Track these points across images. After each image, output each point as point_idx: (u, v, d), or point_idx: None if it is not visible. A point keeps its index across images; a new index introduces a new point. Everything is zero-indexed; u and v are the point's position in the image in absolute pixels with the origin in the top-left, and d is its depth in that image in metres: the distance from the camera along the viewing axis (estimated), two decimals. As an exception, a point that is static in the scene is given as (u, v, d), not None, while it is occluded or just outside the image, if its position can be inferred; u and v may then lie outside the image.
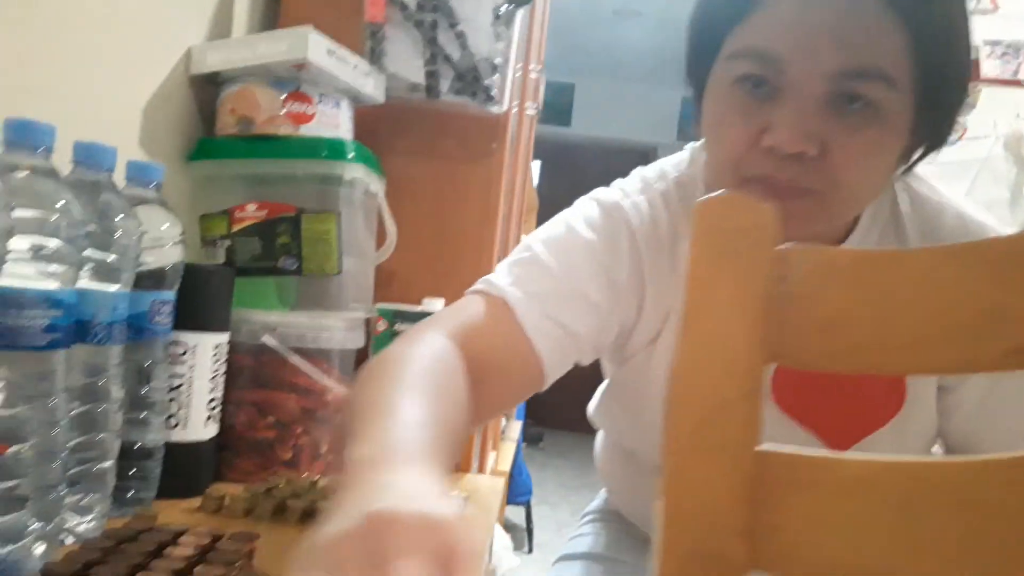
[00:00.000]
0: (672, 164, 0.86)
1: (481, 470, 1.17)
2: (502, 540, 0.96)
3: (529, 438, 4.83)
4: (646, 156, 6.66)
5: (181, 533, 0.61)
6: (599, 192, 0.84)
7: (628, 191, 0.82)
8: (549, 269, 0.73)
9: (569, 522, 3.92)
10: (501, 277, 0.73)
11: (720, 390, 0.29)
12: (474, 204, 1.15)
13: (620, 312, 0.75)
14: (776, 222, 0.29)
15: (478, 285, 0.76)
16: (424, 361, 0.59)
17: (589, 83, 6.19)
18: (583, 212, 0.80)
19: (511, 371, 0.70)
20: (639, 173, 0.86)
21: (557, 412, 6.24)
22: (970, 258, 0.28)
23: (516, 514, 3.48)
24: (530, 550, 3.41)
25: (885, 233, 0.74)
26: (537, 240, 0.77)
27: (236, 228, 0.95)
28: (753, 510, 0.30)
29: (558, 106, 5.93)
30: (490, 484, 1.06)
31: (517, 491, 3.29)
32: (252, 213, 0.95)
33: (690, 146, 0.87)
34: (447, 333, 0.66)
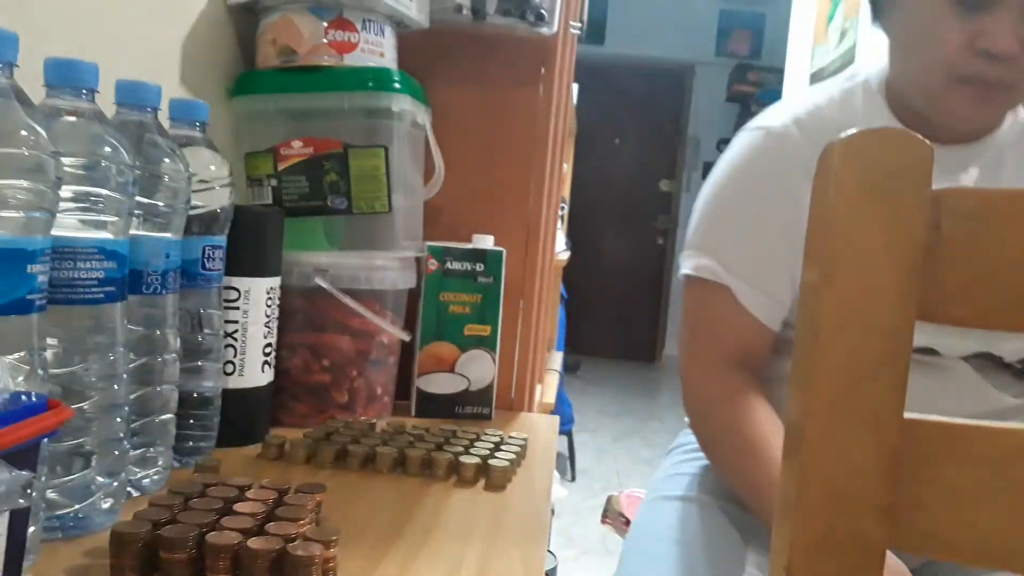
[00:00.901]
0: (822, 94, 0.92)
1: (530, 407, 1.16)
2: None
3: (568, 366, 4.84)
4: (683, 75, 6.50)
5: (247, 487, 0.60)
6: (761, 120, 0.92)
7: (791, 111, 0.89)
8: (745, 237, 0.88)
9: (609, 448, 3.96)
10: (711, 255, 0.89)
11: (867, 352, 0.26)
12: (522, 133, 1.10)
13: None
14: (930, 158, 0.26)
15: (694, 269, 0.91)
16: (763, 426, 0.81)
17: (623, -1, 5.98)
18: (744, 151, 0.90)
19: (765, 352, 0.90)
20: (788, 107, 0.92)
21: (593, 341, 6.28)
22: None
23: (559, 443, 3.51)
24: (573, 478, 3.45)
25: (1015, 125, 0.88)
26: (723, 197, 0.90)
27: (282, 166, 0.92)
28: (896, 484, 0.27)
29: (592, 24, 5.74)
30: (547, 423, 1.04)
31: (560, 421, 3.31)
32: (298, 150, 0.92)
33: (841, 76, 0.92)
34: (732, 364, 0.87)
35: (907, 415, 0.27)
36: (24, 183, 0.47)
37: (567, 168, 2.80)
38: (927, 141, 0.26)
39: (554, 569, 0.88)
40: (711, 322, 0.91)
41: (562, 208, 2.56)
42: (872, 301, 0.26)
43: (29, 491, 0.33)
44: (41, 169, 0.48)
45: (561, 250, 2.46)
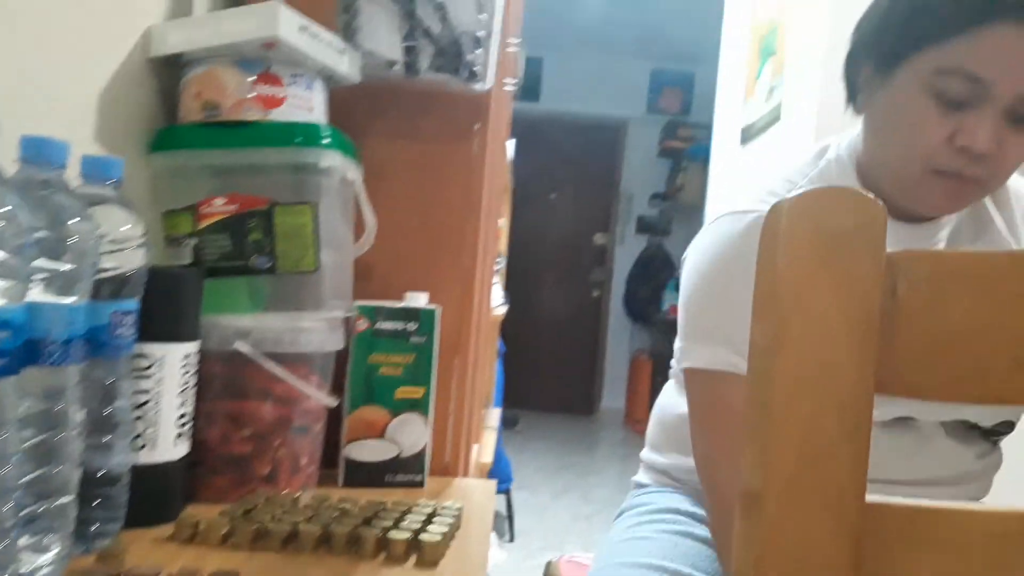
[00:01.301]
0: (795, 171, 0.89)
1: (466, 471, 1.12)
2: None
3: (506, 421, 4.78)
4: (616, 131, 6.66)
5: (154, 576, 0.55)
6: (745, 205, 0.88)
7: (775, 196, 0.83)
8: (741, 325, 0.79)
9: (549, 505, 3.89)
10: (725, 345, 0.83)
11: (824, 427, 0.24)
12: (457, 188, 1.08)
13: None
14: (884, 219, 0.24)
15: (709, 362, 0.84)
16: None
17: (557, 57, 6.11)
18: (736, 238, 0.85)
19: None
20: (764, 188, 0.90)
21: (532, 394, 6.24)
22: None
23: (497, 502, 3.44)
24: (512, 538, 3.37)
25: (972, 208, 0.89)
26: (724, 283, 0.84)
27: (203, 224, 0.88)
28: (858, 568, 0.24)
29: (527, 80, 5.83)
30: (483, 488, 1.00)
31: (497, 479, 3.24)
32: (220, 208, 0.88)
33: (808, 152, 0.91)
34: None
35: (869, 498, 0.24)
36: None
37: (503, 223, 2.80)
38: (876, 201, 0.24)
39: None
40: (732, 414, 0.82)
41: (499, 263, 2.55)
42: (827, 372, 0.24)
43: None
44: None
45: (498, 304, 2.44)
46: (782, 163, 0.95)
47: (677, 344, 0.90)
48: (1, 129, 0.53)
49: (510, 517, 3.42)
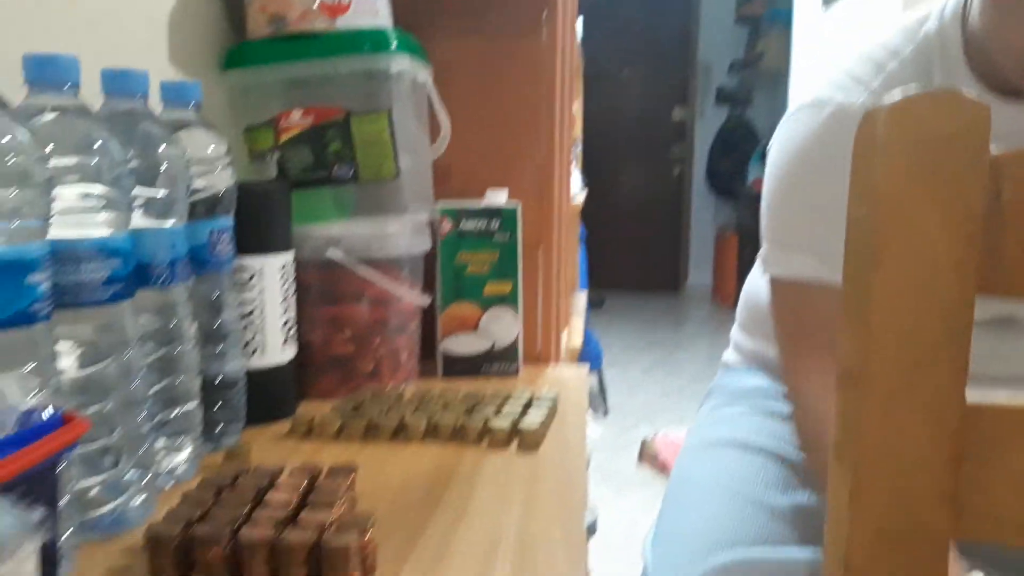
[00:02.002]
0: (881, 48, 0.82)
1: (557, 358, 1.14)
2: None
3: (592, 303, 4.84)
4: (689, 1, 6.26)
5: (278, 473, 0.60)
6: (824, 93, 0.80)
7: (859, 82, 0.79)
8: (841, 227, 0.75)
9: (640, 381, 3.96)
10: (808, 252, 0.79)
11: (924, 336, 0.24)
12: (528, 80, 1.06)
13: None
14: (987, 121, 0.23)
15: (790, 270, 0.81)
16: None
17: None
18: (816, 133, 0.78)
19: None
20: (845, 71, 0.81)
21: (616, 274, 6.25)
22: None
23: (589, 380, 3.52)
24: (606, 413, 3.47)
25: None
26: (805, 185, 0.79)
27: (284, 138, 0.90)
28: (958, 472, 0.25)
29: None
30: (575, 374, 1.03)
31: (587, 360, 3.31)
32: (298, 120, 0.89)
33: (896, 23, 0.82)
34: None
35: (969, 401, 0.24)
36: (12, 192, 0.46)
37: (576, 106, 2.73)
38: (984, 102, 0.23)
39: (594, 522, 0.87)
40: (820, 327, 0.80)
41: (575, 148, 2.51)
42: (927, 281, 0.23)
43: (49, 525, 0.32)
44: (28, 175, 0.46)
45: (577, 191, 2.42)
46: (867, 35, 0.87)
47: (762, 248, 0.88)
48: (80, 63, 0.55)
49: (603, 394, 3.51)
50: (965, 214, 0.23)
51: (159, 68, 0.83)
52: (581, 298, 2.72)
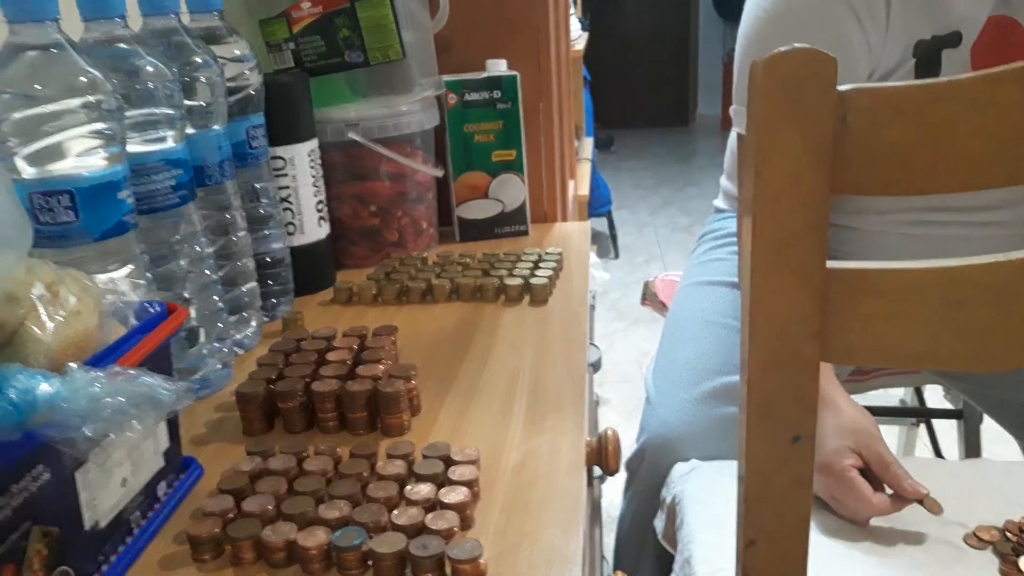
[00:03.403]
0: None
1: (564, 216, 1.25)
2: (592, 260, 1.04)
3: (600, 143, 4.86)
4: None
5: (332, 337, 0.72)
6: None
7: None
8: None
9: (649, 221, 4.07)
10: None
11: (792, 221, 0.34)
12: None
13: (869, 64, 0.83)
14: (834, 68, 0.32)
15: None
16: None
17: None
18: (791, 4, 0.83)
19: None
20: None
21: (624, 112, 6.21)
22: (1020, 80, 0.31)
23: (599, 224, 3.63)
24: (616, 255, 3.60)
25: None
26: (765, 46, 0.82)
27: (296, 29, 0.97)
28: (823, 316, 0.36)
29: None
30: (579, 230, 1.14)
31: (597, 204, 3.41)
32: (308, 11, 0.96)
33: None
34: None
35: (829, 264, 0.35)
36: (101, 125, 0.55)
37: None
38: (829, 55, 0.32)
39: (599, 360, 1.00)
40: None
41: (574, -8, 2.49)
42: (793, 184, 0.33)
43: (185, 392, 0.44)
44: (109, 108, 0.56)
45: (576, 36, 2.43)
46: None
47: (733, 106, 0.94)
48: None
49: (613, 237, 3.63)
50: (819, 134, 0.32)
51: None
52: (587, 144, 2.79)
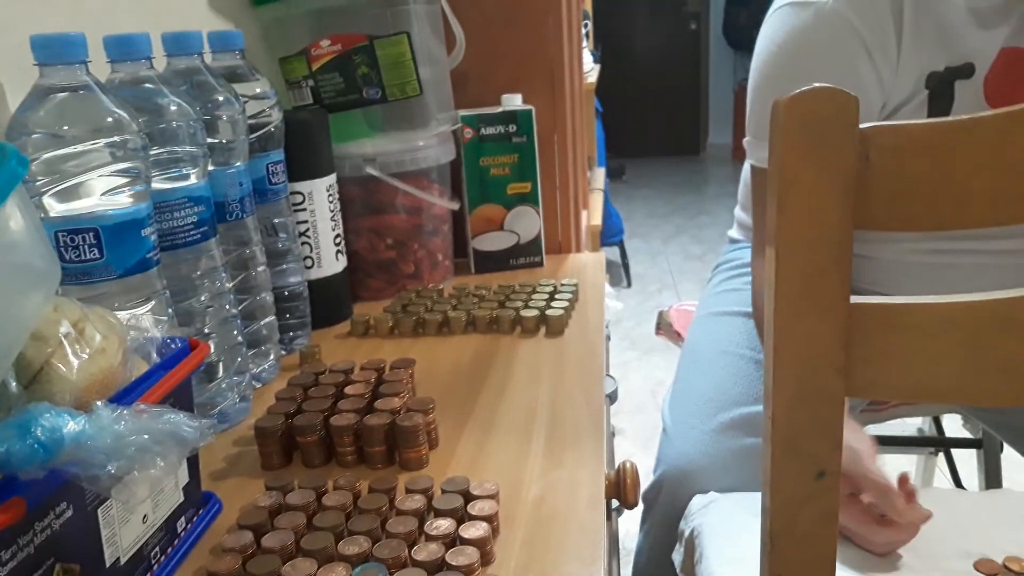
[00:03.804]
0: None
1: (578, 247, 1.25)
2: (605, 290, 1.04)
3: (612, 172, 4.88)
4: None
5: (349, 370, 0.73)
6: (792, 6, 0.85)
7: None
8: None
9: (661, 250, 4.08)
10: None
11: (816, 258, 0.34)
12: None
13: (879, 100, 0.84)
14: (856, 105, 0.32)
15: (760, 160, 0.88)
16: None
17: None
18: (796, 31, 0.84)
19: None
20: None
21: (636, 141, 6.24)
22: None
23: (611, 253, 3.64)
24: (629, 284, 3.60)
25: None
26: (780, 79, 0.85)
27: (316, 66, 0.98)
28: (848, 351, 0.36)
29: None
30: (593, 261, 1.14)
31: (609, 233, 3.41)
32: (328, 49, 0.97)
33: None
34: None
35: (853, 300, 0.35)
36: (127, 164, 0.56)
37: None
38: (850, 94, 0.32)
39: (615, 391, 1.00)
40: None
41: (585, 25, 2.52)
42: (816, 220, 0.33)
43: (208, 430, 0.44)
44: (135, 147, 0.57)
45: (588, 69, 2.45)
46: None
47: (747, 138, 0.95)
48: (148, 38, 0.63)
49: (625, 266, 3.63)
50: (842, 171, 0.33)
51: (199, 10, 0.91)
52: (599, 175, 2.81)
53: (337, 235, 0.94)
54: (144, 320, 0.57)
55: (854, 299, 0.35)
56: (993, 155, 0.32)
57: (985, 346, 0.34)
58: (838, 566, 0.41)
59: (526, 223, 1.09)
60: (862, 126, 0.33)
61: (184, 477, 0.55)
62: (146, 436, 0.40)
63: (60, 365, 0.43)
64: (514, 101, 1.09)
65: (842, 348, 0.35)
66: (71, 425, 0.38)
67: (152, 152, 0.62)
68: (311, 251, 0.92)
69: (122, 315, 0.57)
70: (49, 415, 0.38)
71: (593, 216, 2.08)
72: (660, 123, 6.42)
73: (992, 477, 1.32)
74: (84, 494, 0.44)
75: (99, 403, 0.41)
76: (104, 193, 0.56)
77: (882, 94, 0.83)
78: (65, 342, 0.44)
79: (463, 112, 1.06)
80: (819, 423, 0.37)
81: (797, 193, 0.33)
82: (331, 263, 0.94)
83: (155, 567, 0.51)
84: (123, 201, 0.57)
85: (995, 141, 0.32)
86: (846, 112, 0.32)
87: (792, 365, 0.36)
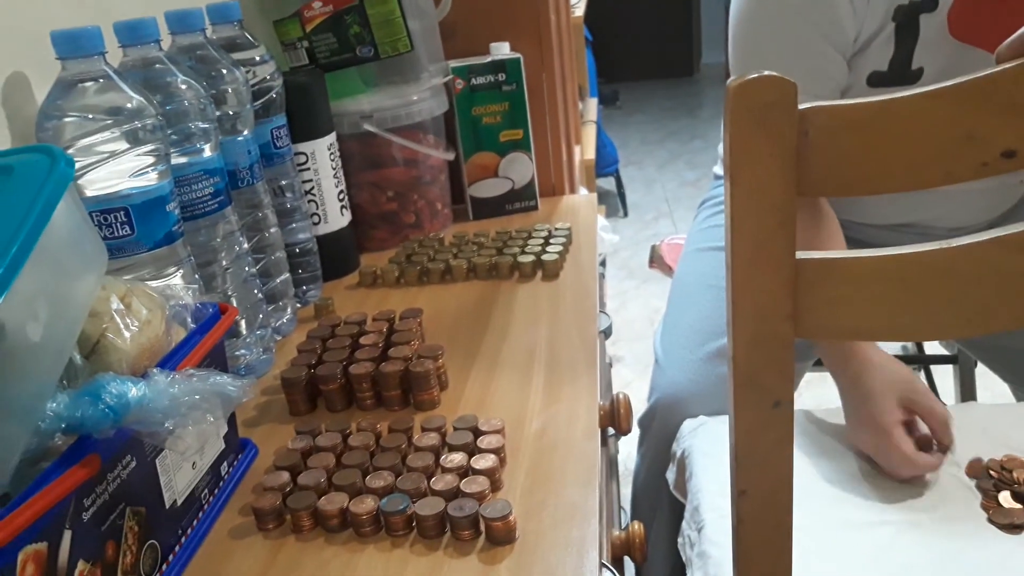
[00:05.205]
0: None
1: (572, 188, 1.30)
2: (601, 223, 1.09)
3: (605, 99, 4.86)
4: None
5: (363, 322, 0.79)
6: None
7: None
8: (791, 51, 0.87)
9: (656, 177, 4.10)
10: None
11: (765, 222, 0.40)
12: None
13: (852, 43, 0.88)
14: (795, 91, 0.37)
15: None
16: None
17: None
18: None
19: None
20: None
21: (628, 66, 6.19)
22: (950, 96, 0.36)
23: (606, 183, 3.67)
24: (625, 213, 3.64)
25: None
26: (759, 16, 0.88)
27: (309, 27, 1.02)
28: (795, 299, 0.41)
29: None
30: (586, 202, 1.19)
31: (604, 163, 3.44)
32: (320, 10, 1.01)
33: None
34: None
35: (798, 255, 0.41)
36: (150, 146, 0.61)
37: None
38: (790, 81, 0.37)
39: (609, 326, 1.06)
40: None
41: (571, -45, 2.49)
42: (765, 189, 0.39)
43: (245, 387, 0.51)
44: (155, 128, 0.62)
45: (575, 2, 2.45)
46: None
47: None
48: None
49: (621, 195, 3.67)
50: (784, 147, 0.38)
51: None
52: (592, 105, 2.82)
53: (340, 191, 0.99)
54: (178, 289, 0.63)
55: (799, 254, 0.41)
56: (912, 129, 0.37)
57: (911, 291, 0.40)
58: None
59: (520, 169, 1.14)
60: (801, 107, 0.38)
61: (224, 427, 0.62)
62: (197, 396, 0.47)
63: (115, 337, 0.49)
64: (502, 50, 1.12)
65: (790, 297, 0.41)
66: (134, 391, 0.45)
67: (168, 131, 0.67)
68: (317, 208, 0.97)
69: (155, 284, 0.63)
70: (115, 383, 0.44)
71: (586, 150, 2.12)
72: (652, 45, 6.34)
73: (967, 390, 1.40)
74: (144, 447, 0.51)
75: (154, 369, 0.47)
76: (132, 174, 0.61)
77: (855, 22, 0.86)
78: (116, 316, 0.50)
79: (454, 63, 1.10)
80: (774, 362, 0.43)
81: (747, 167, 0.39)
82: (336, 218, 0.99)
83: (205, 507, 0.59)
84: (149, 180, 0.62)
85: (914, 118, 0.37)
86: (787, 96, 0.37)
87: (749, 313, 0.42)
